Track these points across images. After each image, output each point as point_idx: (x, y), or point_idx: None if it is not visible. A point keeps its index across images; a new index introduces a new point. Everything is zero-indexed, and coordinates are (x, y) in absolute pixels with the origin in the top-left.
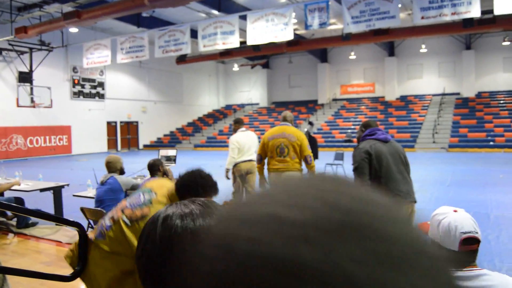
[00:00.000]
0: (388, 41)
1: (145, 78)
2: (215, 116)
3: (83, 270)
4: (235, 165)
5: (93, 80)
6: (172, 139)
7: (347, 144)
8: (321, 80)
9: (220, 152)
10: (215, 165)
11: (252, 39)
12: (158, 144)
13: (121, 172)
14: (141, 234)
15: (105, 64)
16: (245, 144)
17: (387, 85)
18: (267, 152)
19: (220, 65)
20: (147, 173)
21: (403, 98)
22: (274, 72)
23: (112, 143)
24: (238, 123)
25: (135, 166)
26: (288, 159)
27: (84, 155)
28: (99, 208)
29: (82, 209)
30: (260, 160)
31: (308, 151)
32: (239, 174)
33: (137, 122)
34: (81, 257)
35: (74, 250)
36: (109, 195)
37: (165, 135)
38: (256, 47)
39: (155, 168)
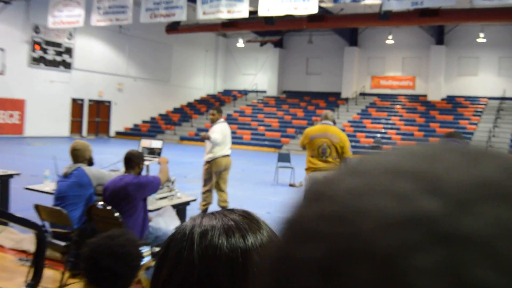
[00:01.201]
0: (437, 25)
1: (124, 47)
2: (210, 102)
3: (38, 284)
4: (214, 160)
5: (59, 45)
6: (153, 128)
7: (375, 152)
8: (348, 68)
9: None
10: None
11: (265, 9)
12: (134, 132)
13: (90, 163)
14: (163, 252)
15: (76, 25)
16: (228, 136)
17: (432, 81)
18: (308, 150)
19: (221, 39)
20: (121, 166)
21: (450, 99)
22: (288, 53)
23: (76, 126)
24: (220, 113)
25: (103, 158)
26: (330, 160)
27: (39, 138)
28: (59, 207)
29: (37, 207)
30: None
31: (350, 153)
32: (217, 170)
33: (110, 102)
34: (37, 268)
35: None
36: (74, 190)
37: (144, 122)
38: (268, 20)
39: (132, 163)
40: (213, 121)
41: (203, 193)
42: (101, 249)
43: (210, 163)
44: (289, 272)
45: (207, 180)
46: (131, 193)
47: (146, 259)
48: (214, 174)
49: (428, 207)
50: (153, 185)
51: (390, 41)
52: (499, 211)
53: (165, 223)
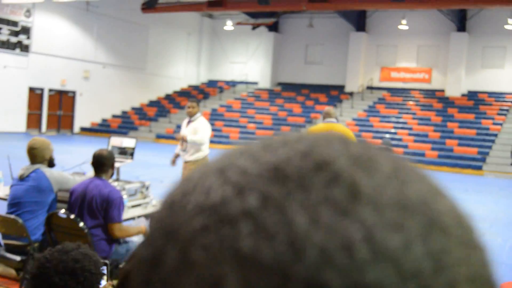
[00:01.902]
0: (458, 9)
1: (92, 28)
2: (192, 95)
3: None
4: (203, 158)
5: (15, 23)
6: (125, 123)
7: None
8: (354, 58)
9: None
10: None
11: None
12: (103, 129)
13: (51, 163)
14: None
15: (35, 0)
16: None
17: (451, 73)
18: None
19: (206, 20)
20: (88, 169)
21: (472, 95)
22: (284, 39)
23: (34, 120)
24: (198, 106)
25: (66, 158)
26: None
27: None
28: (12, 216)
29: None
30: None
31: None
32: None
33: (74, 92)
34: None
35: None
36: (32, 196)
37: (114, 116)
38: None
39: (104, 165)
40: (192, 115)
41: None
42: (52, 265)
43: (198, 162)
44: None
45: None
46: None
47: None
48: None
49: (216, 196)
50: (120, 211)
51: (403, 26)
52: (266, 190)
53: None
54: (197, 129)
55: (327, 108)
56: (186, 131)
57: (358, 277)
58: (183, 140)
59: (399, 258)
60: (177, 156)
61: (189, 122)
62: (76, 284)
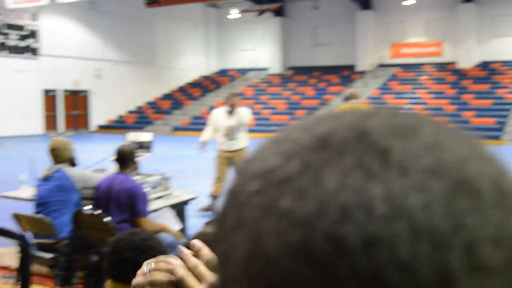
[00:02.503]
0: None
1: (99, 27)
2: (204, 85)
3: None
4: (243, 149)
5: (21, 28)
6: (141, 119)
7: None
8: (362, 37)
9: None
10: (207, 158)
11: None
12: (119, 125)
13: (72, 162)
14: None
15: (40, 4)
16: None
17: (461, 45)
18: None
19: (211, 11)
20: (108, 165)
21: (485, 65)
22: (291, 23)
23: (50, 122)
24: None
25: (85, 156)
26: None
27: (9, 138)
28: (40, 215)
29: (16, 216)
30: None
31: None
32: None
33: (87, 91)
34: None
35: None
36: (57, 195)
37: (130, 112)
38: None
39: (126, 160)
40: (232, 105)
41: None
42: (124, 243)
43: (235, 153)
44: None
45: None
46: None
47: None
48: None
49: (268, 163)
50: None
51: (410, 1)
52: (308, 158)
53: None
54: (242, 118)
55: (351, 90)
56: (230, 121)
57: (373, 232)
58: (231, 130)
59: (416, 216)
60: (204, 143)
61: (230, 112)
62: (145, 259)
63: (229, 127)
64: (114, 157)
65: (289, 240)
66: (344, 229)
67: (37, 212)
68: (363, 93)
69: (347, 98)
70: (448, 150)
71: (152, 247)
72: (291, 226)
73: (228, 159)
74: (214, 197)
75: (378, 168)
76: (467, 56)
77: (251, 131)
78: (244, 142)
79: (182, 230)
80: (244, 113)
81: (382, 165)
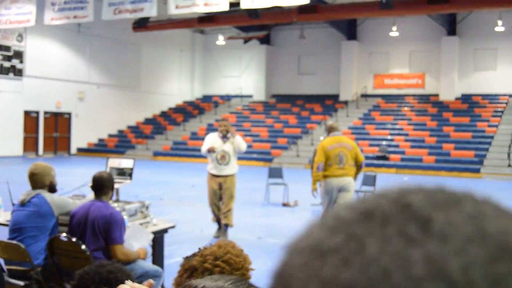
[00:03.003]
0: (448, 14)
1: (85, 49)
2: (187, 111)
3: None
4: (234, 175)
5: (8, 48)
6: (122, 143)
7: (381, 162)
8: (346, 66)
9: (192, 164)
10: (186, 184)
11: (248, 1)
12: (100, 149)
13: (52, 188)
14: None
15: (27, 25)
16: None
17: (444, 78)
18: (327, 160)
19: (198, 36)
20: (87, 191)
21: (466, 98)
22: (277, 51)
23: (30, 143)
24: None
25: (64, 180)
26: (347, 167)
27: None
28: (14, 241)
29: None
30: (323, 168)
31: (362, 156)
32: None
33: (70, 114)
34: None
35: None
36: (33, 221)
37: (110, 136)
38: (253, 13)
39: (104, 187)
40: (226, 133)
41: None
42: (89, 276)
43: (225, 178)
44: None
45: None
46: (112, 225)
47: None
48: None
49: (315, 238)
50: (121, 233)
51: (394, 33)
52: (352, 229)
53: (140, 243)
54: (240, 143)
55: (331, 123)
56: (225, 147)
57: None
58: (224, 155)
59: (454, 277)
60: (212, 149)
61: (223, 138)
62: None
63: (224, 151)
64: (91, 183)
65: None
66: None
67: (12, 238)
68: (346, 122)
69: (329, 131)
70: (489, 220)
71: (118, 280)
72: None
73: (218, 184)
74: (218, 221)
75: (419, 235)
76: (449, 89)
77: None
78: (235, 168)
79: (159, 257)
80: (241, 141)
81: (423, 233)
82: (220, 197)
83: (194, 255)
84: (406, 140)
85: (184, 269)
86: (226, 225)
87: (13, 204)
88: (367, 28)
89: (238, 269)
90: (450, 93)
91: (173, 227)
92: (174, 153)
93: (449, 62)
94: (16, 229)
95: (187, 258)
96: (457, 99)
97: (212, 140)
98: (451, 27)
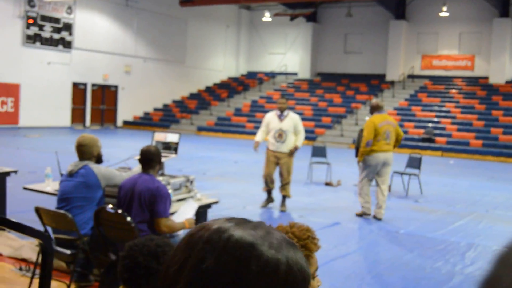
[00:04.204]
0: None
1: (132, 23)
2: (232, 87)
3: None
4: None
5: (57, 21)
6: (166, 117)
7: (426, 145)
8: (394, 46)
9: (236, 140)
10: (229, 160)
11: None
12: (145, 122)
13: (98, 159)
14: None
15: None
16: None
17: (494, 60)
18: (376, 136)
19: (244, 12)
20: (133, 163)
21: None
22: (323, 29)
23: (78, 115)
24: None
25: (110, 152)
26: (391, 142)
27: (36, 128)
28: (62, 210)
29: (38, 210)
30: (371, 144)
31: (402, 132)
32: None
33: (116, 87)
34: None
35: None
36: (81, 191)
37: (156, 110)
38: None
39: (151, 161)
40: (283, 110)
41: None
42: (138, 248)
43: (282, 154)
44: None
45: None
46: (158, 198)
47: None
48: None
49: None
50: (166, 206)
51: (444, 13)
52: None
53: (186, 215)
54: (297, 124)
55: (376, 100)
56: (282, 124)
57: None
58: (281, 133)
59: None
60: (258, 143)
61: (280, 116)
62: (157, 265)
63: (281, 129)
64: (138, 157)
65: None
66: None
67: (60, 208)
68: (391, 103)
69: (375, 109)
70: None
71: (166, 253)
72: None
73: (275, 158)
74: (268, 191)
75: None
76: (499, 72)
77: None
78: (292, 145)
79: None
80: (297, 120)
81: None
82: (279, 172)
83: None
84: (453, 123)
85: None
86: (284, 196)
87: (61, 174)
88: (416, 7)
89: (303, 239)
90: (500, 76)
91: (216, 202)
92: (218, 128)
93: (500, 45)
94: (64, 199)
95: None
96: (507, 82)
97: (268, 119)
98: (503, 8)
